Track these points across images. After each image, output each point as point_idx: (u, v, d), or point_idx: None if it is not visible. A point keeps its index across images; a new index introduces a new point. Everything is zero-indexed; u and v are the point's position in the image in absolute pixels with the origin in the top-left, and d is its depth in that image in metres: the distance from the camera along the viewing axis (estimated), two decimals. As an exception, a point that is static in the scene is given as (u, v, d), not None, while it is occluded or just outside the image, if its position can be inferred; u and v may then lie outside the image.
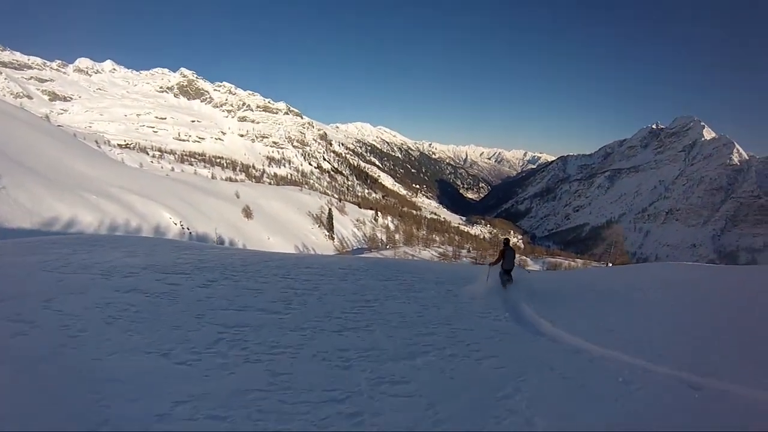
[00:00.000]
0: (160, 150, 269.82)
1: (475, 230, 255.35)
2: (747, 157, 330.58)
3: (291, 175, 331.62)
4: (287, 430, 4.23)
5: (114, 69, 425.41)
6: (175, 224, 56.70)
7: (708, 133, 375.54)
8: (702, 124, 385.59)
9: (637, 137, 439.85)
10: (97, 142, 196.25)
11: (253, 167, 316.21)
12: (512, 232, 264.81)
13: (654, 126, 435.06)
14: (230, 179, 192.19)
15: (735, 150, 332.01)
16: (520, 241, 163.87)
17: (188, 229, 58.44)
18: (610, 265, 50.52)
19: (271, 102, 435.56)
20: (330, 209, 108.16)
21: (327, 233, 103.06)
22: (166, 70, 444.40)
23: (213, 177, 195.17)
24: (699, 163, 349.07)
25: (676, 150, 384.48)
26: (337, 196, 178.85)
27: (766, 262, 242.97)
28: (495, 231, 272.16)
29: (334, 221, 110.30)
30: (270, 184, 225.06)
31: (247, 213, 78.80)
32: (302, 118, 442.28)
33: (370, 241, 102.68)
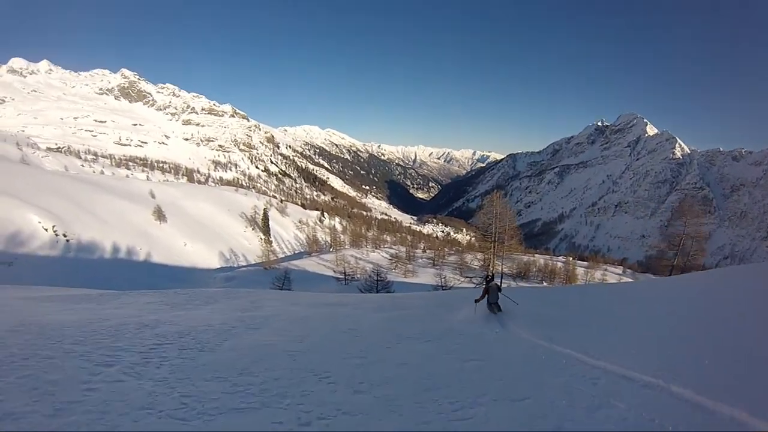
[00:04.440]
0: (95, 154, 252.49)
1: (428, 229, 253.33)
2: (689, 151, 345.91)
3: (237, 179, 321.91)
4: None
5: (50, 70, 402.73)
6: (46, 230, 46.24)
7: (651, 129, 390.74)
8: (645, 120, 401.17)
9: (584, 134, 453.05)
10: (18, 144, 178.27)
11: (198, 171, 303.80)
12: (464, 229, 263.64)
13: (599, 123, 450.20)
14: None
15: (677, 144, 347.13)
16: (473, 239, 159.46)
17: (65, 235, 48.05)
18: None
19: (217, 104, 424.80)
20: (265, 210, 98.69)
21: (262, 237, 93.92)
22: (106, 71, 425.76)
23: (148, 180, 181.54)
24: (644, 157, 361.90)
25: (622, 146, 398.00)
26: (281, 197, 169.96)
27: (711, 250, 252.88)
28: (447, 229, 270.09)
29: (273, 223, 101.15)
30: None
31: (160, 215, 68.36)
32: (249, 120, 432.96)
33: (312, 243, 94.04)
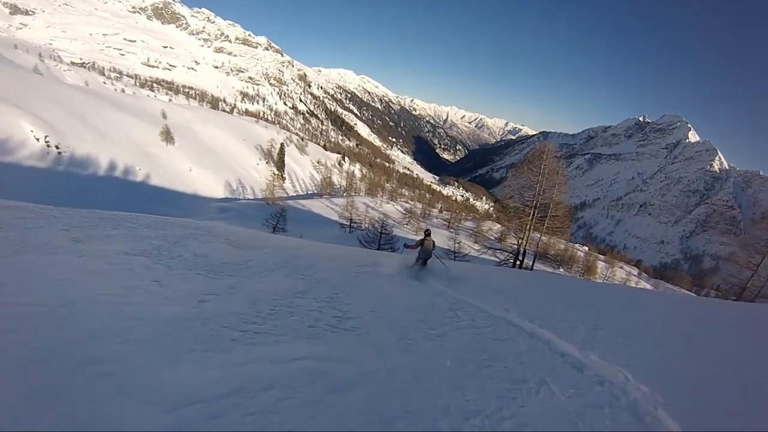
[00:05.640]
0: (119, 72, 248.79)
1: (448, 191, 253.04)
2: (727, 167, 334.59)
3: (263, 112, 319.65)
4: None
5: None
6: (37, 140, 42.88)
7: (693, 136, 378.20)
8: (689, 125, 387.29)
9: (622, 126, 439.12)
10: (41, 56, 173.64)
11: (224, 101, 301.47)
12: (484, 198, 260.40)
13: (641, 119, 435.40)
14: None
15: (717, 157, 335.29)
16: (492, 209, 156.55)
17: (57, 147, 44.51)
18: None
19: (252, 35, 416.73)
20: (282, 144, 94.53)
21: (276, 172, 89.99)
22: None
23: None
24: (680, 163, 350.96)
25: (659, 146, 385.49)
26: (304, 136, 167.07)
27: (728, 270, 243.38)
28: (467, 194, 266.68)
29: (289, 160, 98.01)
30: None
31: (167, 137, 64.39)
32: (283, 55, 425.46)
33: (327, 186, 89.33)
